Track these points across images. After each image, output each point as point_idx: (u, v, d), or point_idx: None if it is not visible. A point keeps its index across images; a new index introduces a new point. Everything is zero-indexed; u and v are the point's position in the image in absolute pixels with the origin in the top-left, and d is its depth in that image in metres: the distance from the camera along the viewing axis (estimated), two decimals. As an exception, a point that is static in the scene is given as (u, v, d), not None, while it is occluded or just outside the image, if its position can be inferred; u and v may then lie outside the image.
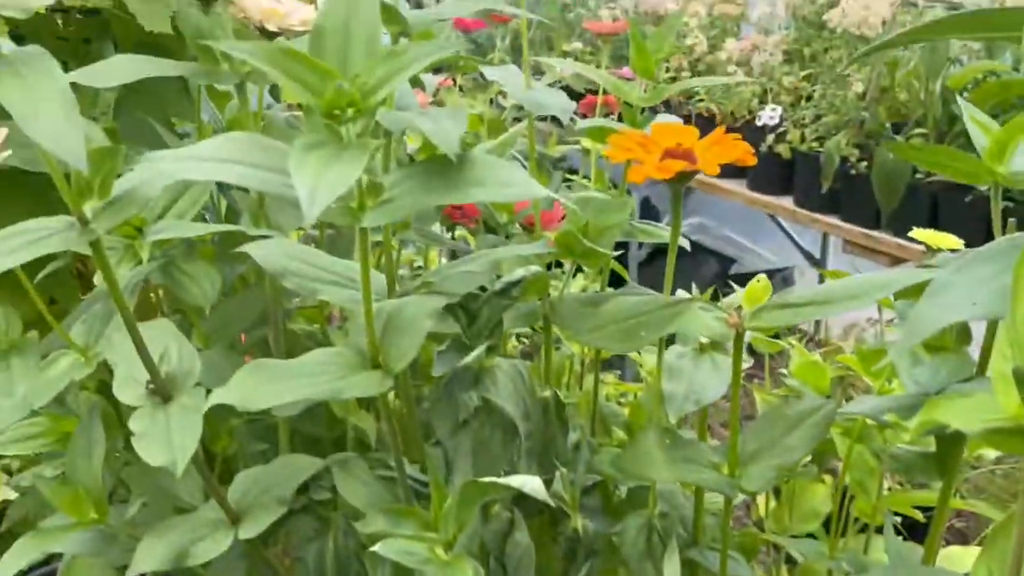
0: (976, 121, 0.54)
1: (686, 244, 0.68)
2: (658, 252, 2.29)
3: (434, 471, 0.40)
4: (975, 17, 0.36)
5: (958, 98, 0.85)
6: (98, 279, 0.62)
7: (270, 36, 0.70)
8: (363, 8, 0.40)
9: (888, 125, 1.60)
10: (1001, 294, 0.33)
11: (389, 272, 0.55)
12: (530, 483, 0.38)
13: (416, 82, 0.75)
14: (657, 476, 0.51)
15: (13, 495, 1.08)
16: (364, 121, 0.39)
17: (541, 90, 0.61)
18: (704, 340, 0.58)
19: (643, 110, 0.70)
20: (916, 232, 0.85)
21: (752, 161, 0.47)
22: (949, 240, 0.81)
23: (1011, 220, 0.54)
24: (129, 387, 0.53)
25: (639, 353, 0.91)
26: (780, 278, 2.41)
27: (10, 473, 1.06)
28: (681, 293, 0.84)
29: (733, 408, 0.51)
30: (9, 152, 0.50)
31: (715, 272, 2.32)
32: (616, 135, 0.49)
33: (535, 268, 0.57)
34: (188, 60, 0.84)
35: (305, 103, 0.38)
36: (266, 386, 0.43)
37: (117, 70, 0.53)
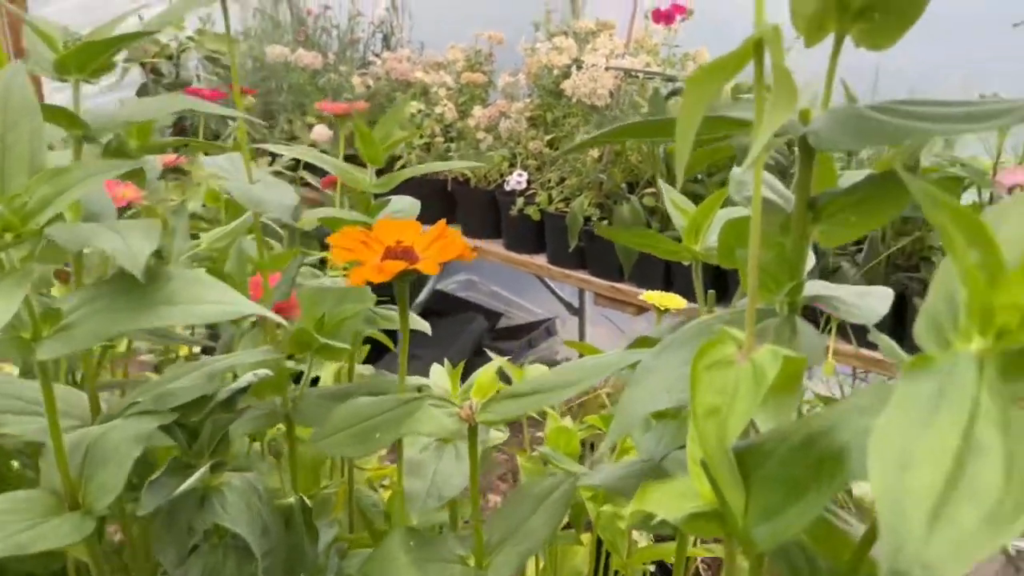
0: (675, 205, 0.59)
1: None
2: (429, 312, 2.30)
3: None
4: (645, 125, 0.40)
5: (659, 182, 0.92)
6: None
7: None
8: (24, 120, 0.35)
9: (624, 185, 1.73)
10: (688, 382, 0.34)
11: (92, 392, 0.49)
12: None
13: (135, 175, 0.70)
14: (403, 581, 0.49)
15: None
16: (30, 244, 0.35)
17: (264, 184, 0.59)
18: (447, 428, 0.58)
19: (378, 195, 0.69)
20: (646, 295, 0.91)
21: (471, 256, 0.48)
22: (675, 300, 0.88)
23: (711, 292, 0.60)
24: None
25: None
26: (544, 329, 2.53)
27: None
28: (435, 366, 0.84)
29: (474, 500, 0.50)
30: None
31: (484, 327, 2.38)
32: (337, 235, 0.48)
33: (264, 372, 0.54)
34: None
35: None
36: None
37: None
